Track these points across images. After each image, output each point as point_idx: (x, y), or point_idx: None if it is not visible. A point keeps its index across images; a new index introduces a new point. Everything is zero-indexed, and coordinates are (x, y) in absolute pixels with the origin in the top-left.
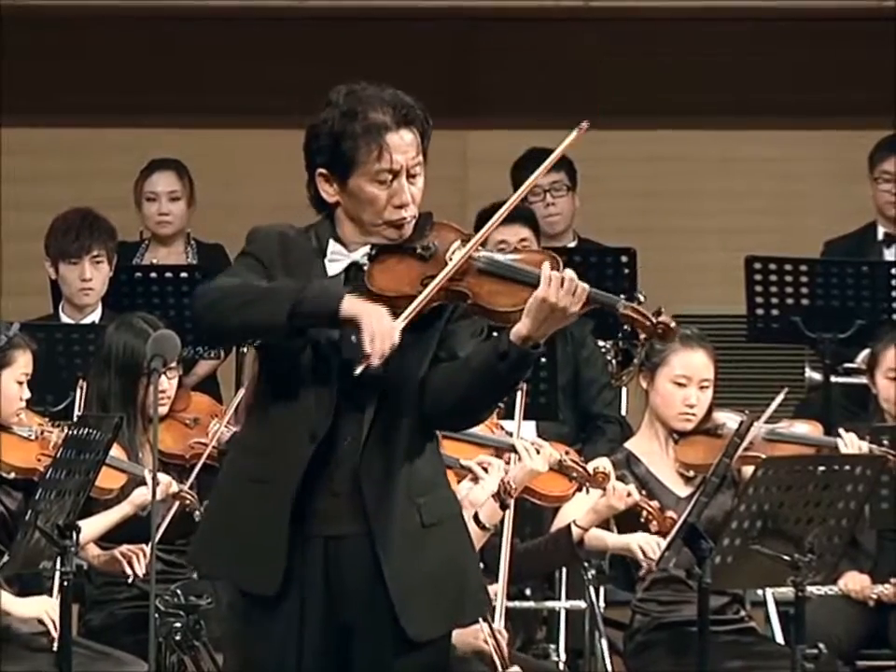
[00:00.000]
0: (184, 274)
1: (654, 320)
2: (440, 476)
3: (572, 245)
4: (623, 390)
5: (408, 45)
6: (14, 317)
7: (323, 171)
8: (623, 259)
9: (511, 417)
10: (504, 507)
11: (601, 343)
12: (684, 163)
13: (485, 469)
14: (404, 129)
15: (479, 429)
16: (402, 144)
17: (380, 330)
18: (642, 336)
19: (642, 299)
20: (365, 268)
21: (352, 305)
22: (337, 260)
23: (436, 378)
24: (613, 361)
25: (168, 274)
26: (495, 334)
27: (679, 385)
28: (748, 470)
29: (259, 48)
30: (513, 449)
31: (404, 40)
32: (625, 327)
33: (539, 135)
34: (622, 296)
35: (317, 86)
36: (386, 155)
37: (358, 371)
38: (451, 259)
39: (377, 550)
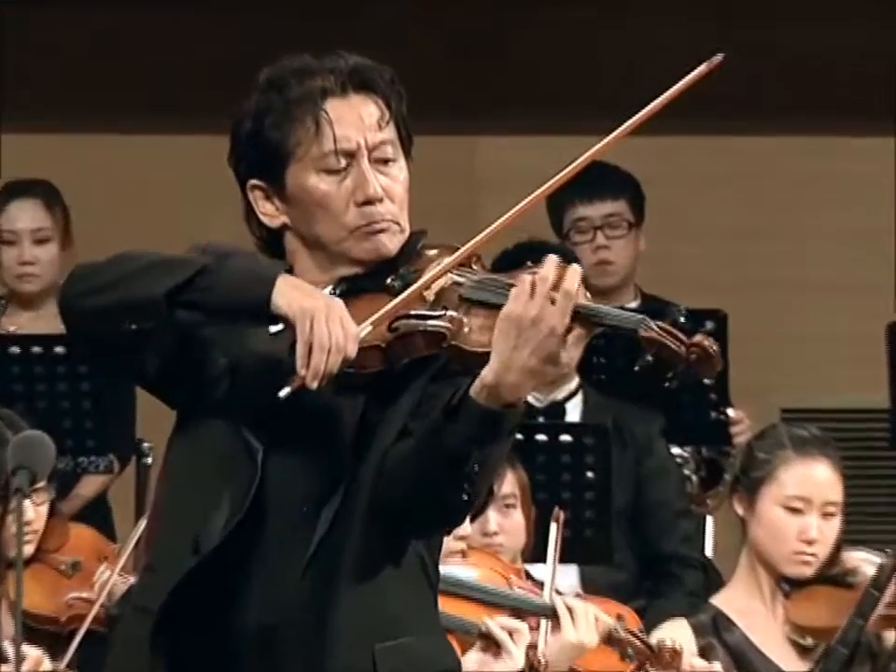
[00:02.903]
0: (59, 349)
1: (686, 342)
2: (423, 617)
3: (633, 305)
4: (710, 519)
5: (395, 23)
6: None
7: (254, 181)
8: (709, 325)
9: (543, 560)
10: None
11: (676, 451)
12: (788, 184)
13: (510, 635)
14: (356, 94)
15: (489, 581)
16: (354, 112)
17: (322, 338)
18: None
19: (682, 319)
20: None
21: (289, 299)
22: None
23: (390, 460)
24: (694, 477)
25: (35, 349)
26: None
27: (794, 510)
28: (891, 636)
29: (176, 20)
30: (549, 613)
31: (392, 16)
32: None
33: (576, 141)
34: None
35: (253, 70)
36: (328, 130)
37: (284, 392)
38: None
39: None
